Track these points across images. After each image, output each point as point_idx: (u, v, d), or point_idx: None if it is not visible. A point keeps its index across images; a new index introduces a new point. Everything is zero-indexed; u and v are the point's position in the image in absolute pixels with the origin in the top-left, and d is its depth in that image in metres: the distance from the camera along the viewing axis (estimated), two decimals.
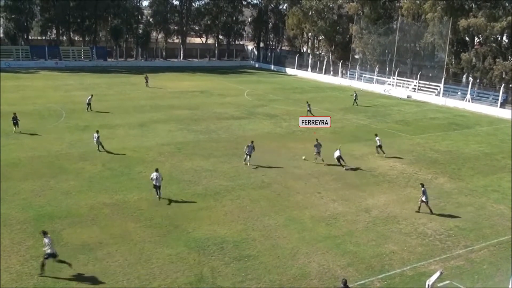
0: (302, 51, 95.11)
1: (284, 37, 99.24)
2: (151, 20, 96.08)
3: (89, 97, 44.88)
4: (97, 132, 31.74)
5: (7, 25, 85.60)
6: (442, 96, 60.52)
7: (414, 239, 20.69)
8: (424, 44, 66.07)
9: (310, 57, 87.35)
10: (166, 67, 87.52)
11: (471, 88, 58.87)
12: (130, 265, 17.47)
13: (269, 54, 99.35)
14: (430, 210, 23.42)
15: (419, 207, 23.54)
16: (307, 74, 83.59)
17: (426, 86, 64.92)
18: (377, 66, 71.52)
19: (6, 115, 37.72)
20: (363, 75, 73.26)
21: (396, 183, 27.87)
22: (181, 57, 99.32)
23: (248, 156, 29.56)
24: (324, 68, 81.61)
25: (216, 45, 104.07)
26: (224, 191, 25.18)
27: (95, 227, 20.34)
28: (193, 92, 58.30)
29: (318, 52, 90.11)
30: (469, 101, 56.91)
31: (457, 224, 22.48)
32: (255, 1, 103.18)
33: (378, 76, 70.23)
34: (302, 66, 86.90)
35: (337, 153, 30.00)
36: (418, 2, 65.69)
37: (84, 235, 19.49)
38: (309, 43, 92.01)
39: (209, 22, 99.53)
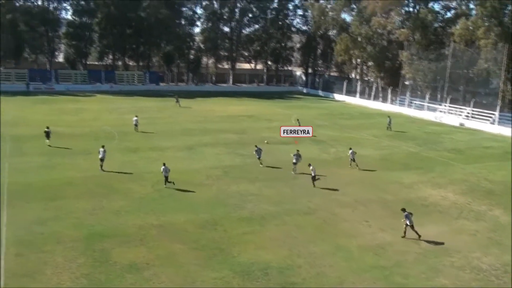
0: (350, 77, 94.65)
1: (333, 63, 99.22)
2: (202, 46, 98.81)
3: (135, 118, 46.43)
4: (103, 147, 32.57)
5: (68, 51, 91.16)
6: (498, 125, 58.26)
7: (467, 274, 19.73)
8: (477, 71, 64.18)
9: (359, 83, 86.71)
10: (216, 91, 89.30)
11: None
12: (175, 287, 17.62)
13: (317, 79, 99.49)
14: (418, 235, 22.82)
15: (405, 232, 22.96)
16: (355, 100, 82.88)
17: (480, 113, 62.67)
18: (428, 92, 69.99)
19: (67, 136, 39.65)
20: (414, 102, 71.81)
21: (448, 213, 26.83)
22: (231, 82, 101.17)
23: (258, 158, 34.67)
24: (373, 94, 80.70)
25: (265, 70, 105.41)
26: (269, 216, 25.12)
27: (143, 248, 20.73)
28: (241, 117, 59.06)
29: (366, 78, 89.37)
30: None
31: None
32: (304, 28, 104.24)
33: (429, 102, 68.63)
34: (350, 92, 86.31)
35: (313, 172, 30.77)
36: (471, 28, 64.22)
37: (131, 255, 19.90)
38: (358, 69, 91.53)
39: (258, 48, 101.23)
